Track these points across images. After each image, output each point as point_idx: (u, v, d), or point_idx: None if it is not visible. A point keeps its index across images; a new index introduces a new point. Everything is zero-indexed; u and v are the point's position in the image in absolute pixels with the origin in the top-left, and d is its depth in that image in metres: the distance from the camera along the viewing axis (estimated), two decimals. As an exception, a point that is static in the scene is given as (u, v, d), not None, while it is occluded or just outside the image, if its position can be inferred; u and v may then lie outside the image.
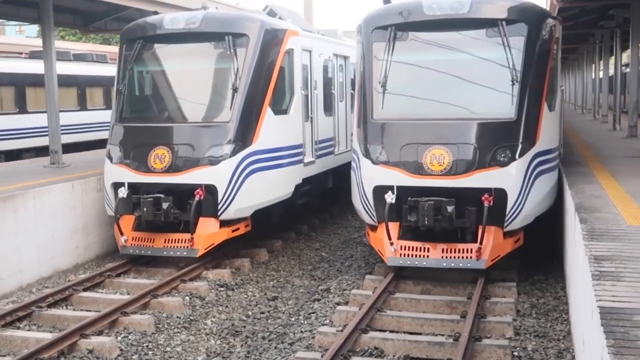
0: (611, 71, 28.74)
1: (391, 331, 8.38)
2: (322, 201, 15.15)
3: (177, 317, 9.12)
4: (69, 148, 22.07)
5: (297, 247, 13.11)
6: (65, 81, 23.43)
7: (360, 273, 11.08)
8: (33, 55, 24.32)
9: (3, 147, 20.88)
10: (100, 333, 8.36)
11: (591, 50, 29.75)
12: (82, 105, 24.34)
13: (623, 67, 26.05)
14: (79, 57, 25.74)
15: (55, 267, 11.11)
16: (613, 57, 25.91)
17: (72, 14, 16.67)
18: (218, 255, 11.48)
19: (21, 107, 21.41)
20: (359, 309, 8.67)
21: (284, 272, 11.55)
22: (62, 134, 22.72)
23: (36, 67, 20.87)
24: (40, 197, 10.78)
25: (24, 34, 64.42)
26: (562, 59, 46.52)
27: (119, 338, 8.30)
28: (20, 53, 25.56)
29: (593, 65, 28.95)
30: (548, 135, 10.24)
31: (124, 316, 8.73)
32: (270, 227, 13.00)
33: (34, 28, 49.02)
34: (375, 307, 8.74)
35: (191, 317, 9.21)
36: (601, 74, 26.29)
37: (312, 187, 13.31)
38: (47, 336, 8.07)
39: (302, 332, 8.59)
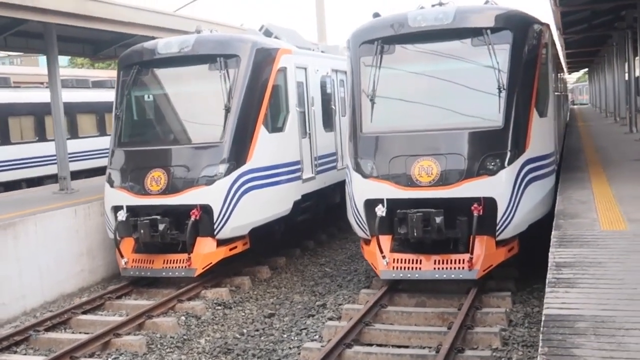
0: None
1: (378, 345, 8.36)
2: (330, 216, 15.18)
3: (171, 337, 9.23)
4: (90, 173, 22.57)
5: (301, 263, 13.16)
6: (85, 108, 24.04)
7: (359, 287, 11.06)
8: (53, 84, 24.93)
9: (24, 175, 21.41)
10: (92, 355, 8.51)
11: (610, 52, 29.34)
12: (102, 131, 24.83)
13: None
14: (98, 84, 26.31)
15: (60, 291, 11.34)
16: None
17: (81, 43, 17.08)
18: (218, 274, 11.60)
19: (41, 136, 21.94)
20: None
21: (285, 289, 11.60)
22: (83, 159, 23.45)
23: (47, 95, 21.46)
24: (41, 223, 11.04)
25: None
26: (587, 63, 45.47)
27: (109, 359, 8.43)
28: (42, 83, 26.19)
29: (612, 68, 28.54)
30: (539, 141, 10.15)
31: (117, 337, 8.87)
32: (274, 244, 13.07)
33: (66, 58, 50.09)
34: (364, 321, 8.73)
35: (185, 337, 9.30)
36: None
37: (314, 202, 13.35)
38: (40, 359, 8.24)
39: (290, 348, 8.62)
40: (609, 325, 4.39)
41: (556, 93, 13.70)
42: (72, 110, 23.86)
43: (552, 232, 6.84)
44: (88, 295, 11.55)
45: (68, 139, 23.16)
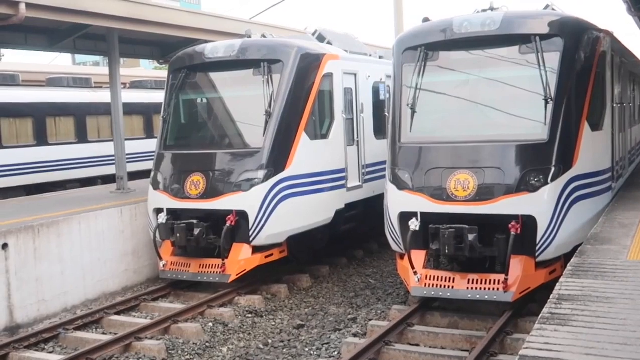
0: None
1: (395, 366, 7.99)
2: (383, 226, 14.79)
3: (194, 344, 9.18)
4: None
5: (346, 273, 12.86)
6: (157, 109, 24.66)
7: (397, 302, 10.68)
8: (133, 85, 25.75)
9: (100, 173, 22.14)
10: (110, 358, 8.57)
11: None
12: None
13: None
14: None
15: (102, 289, 11.56)
16: None
17: (150, 46, 17.45)
18: (256, 281, 11.49)
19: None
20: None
21: (323, 299, 11.35)
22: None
23: (128, 96, 22.14)
24: (86, 223, 11.29)
25: (152, 66, 68.66)
26: None
27: (126, 363, 8.47)
28: (124, 84, 27.01)
29: None
30: (590, 157, 9.44)
31: (138, 341, 8.90)
32: (318, 252, 12.85)
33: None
34: (385, 339, 8.37)
35: (208, 344, 9.23)
36: None
37: (362, 212, 13.02)
38: (57, 359, 8.37)
39: (304, 364, 8.39)
40: (585, 374, 3.90)
41: (624, 105, 12.75)
42: (149, 111, 24.55)
43: (572, 259, 6.27)
44: (131, 295, 11.71)
45: (144, 138, 24.12)
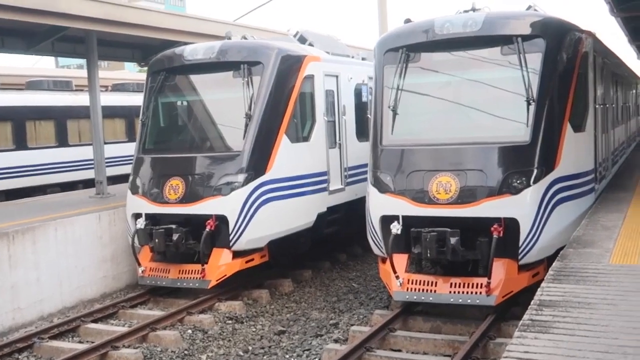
0: None
1: (376, 373, 7.84)
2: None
3: (172, 352, 8.99)
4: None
5: (329, 277, 12.71)
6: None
7: (379, 306, 10.55)
8: (115, 87, 25.50)
9: (81, 177, 21.87)
10: (86, 367, 8.38)
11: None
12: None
13: None
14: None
15: (79, 296, 11.33)
16: None
17: (130, 49, 17.22)
18: (236, 286, 11.31)
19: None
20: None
21: (305, 304, 11.19)
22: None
23: (109, 99, 21.89)
24: (62, 229, 11.06)
25: (137, 68, 68.28)
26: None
27: (101, 373, 8.27)
28: (105, 87, 26.72)
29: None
30: (573, 159, 9.36)
31: (114, 350, 8.69)
32: (300, 256, 12.70)
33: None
34: (366, 345, 8.23)
35: (186, 352, 9.04)
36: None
37: (345, 215, 12.88)
38: (31, 369, 8.16)
39: (285, 371, 8.22)
40: (565, 384, 3.78)
41: (607, 105, 12.71)
42: (132, 114, 24.29)
43: (554, 263, 6.16)
44: (110, 302, 11.48)
45: (125, 142, 23.86)
